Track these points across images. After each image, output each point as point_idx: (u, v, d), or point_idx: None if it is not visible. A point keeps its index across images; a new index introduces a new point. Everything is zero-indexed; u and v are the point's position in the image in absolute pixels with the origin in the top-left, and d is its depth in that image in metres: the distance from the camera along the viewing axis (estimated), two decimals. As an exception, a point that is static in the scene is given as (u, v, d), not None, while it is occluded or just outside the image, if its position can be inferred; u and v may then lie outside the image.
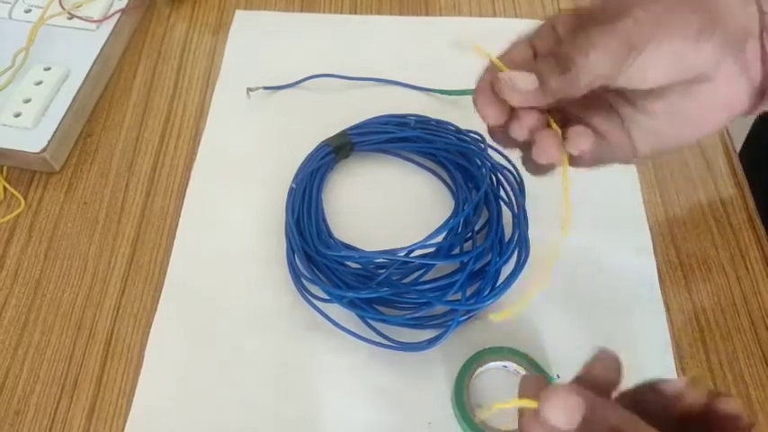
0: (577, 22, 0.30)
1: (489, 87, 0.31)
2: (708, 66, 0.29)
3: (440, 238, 0.44)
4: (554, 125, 0.31)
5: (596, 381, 0.26)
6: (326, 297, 0.43)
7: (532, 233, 0.45)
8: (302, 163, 0.49)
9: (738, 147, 0.60)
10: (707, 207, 0.49)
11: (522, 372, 0.41)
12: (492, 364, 0.41)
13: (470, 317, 0.43)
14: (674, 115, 0.31)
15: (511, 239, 0.45)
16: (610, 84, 0.30)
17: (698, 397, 0.25)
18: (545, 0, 0.61)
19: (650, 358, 0.42)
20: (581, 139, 0.31)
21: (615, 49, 0.28)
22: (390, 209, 0.49)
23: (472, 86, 0.56)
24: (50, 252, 0.48)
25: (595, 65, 0.28)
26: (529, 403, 0.25)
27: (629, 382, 0.27)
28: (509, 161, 0.49)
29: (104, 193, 0.51)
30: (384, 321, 0.43)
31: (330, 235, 0.46)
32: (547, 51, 0.31)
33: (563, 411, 0.23)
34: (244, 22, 0.61)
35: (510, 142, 0.33)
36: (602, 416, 0.23)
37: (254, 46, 0.59)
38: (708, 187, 0.50)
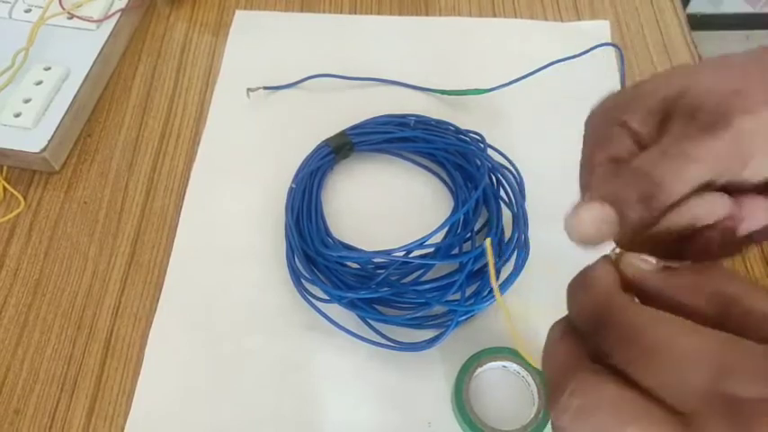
0: (659, 118, 0.25)
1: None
2: None
3: (439, 238, 0.44)
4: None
5: None
6: (326, 297, 0.43)
7: (532, 233, 0.45)
8: (302, 163, 0.49)
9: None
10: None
11: (523, 372, 0.41)
12: (492, 364, 0.41)
13: (470, 317, 0.43)
14: None
15: (510, 240, 0.45)
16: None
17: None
18: (545, 0, 0.61)
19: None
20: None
21: (714, 166, 0.23)
22: (390, 209, 0.49)
23: (472, 86, 0.56)
24: (50, 252, 0.48)
25: (690, 178, 0.23)
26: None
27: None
28: (509, 161, 0.49)
29: (104, 193, 0.51)
30: (384, 321, 0.43)
31: (329, 235, 0.46)
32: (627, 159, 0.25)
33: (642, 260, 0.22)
34: (244, 22, 0.61)
35: None
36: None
37: (254, 46, 0.59)
38: (708, 187, 0.50)
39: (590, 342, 0.22)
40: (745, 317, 0.20)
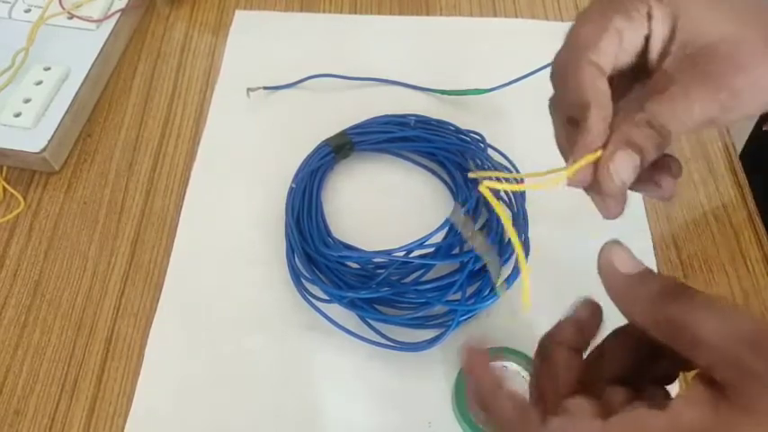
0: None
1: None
2: None
3: (439, 238, 0.44)
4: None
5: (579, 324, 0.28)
6: (326, 297, 0.43)
7: (532, 233, 0.45)
8: (302, 163, 0.49)
9: (739, 147, 0.60)
10: (707, 207, 0.49)
11: (523, 372, 0.41)
12: (492, 365, 0.41)
13: (470, 317, 0.43)
14: None
15: (510, 240, 0.45)
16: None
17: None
18: (546, 0, 0.61)
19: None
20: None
21: (712, 118, 0.26)
22: (390, 209, 0.49)
23: (472, 86, 0.56)
24: (50, 252, 0.48)
25: (692, 118, 0.26)
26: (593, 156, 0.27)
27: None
28: (509, 161, 0.49)
29: (104, 193, 0.51)
30: (384, 321, 0.43)
31: (330, 235, 0.46)
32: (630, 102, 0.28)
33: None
34: (244, 22, 0.61)
35: None
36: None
37: (254, 46, 0.59)
38: (708, 187, 0.50)
39: None
40: (693, 350, 0.22)
